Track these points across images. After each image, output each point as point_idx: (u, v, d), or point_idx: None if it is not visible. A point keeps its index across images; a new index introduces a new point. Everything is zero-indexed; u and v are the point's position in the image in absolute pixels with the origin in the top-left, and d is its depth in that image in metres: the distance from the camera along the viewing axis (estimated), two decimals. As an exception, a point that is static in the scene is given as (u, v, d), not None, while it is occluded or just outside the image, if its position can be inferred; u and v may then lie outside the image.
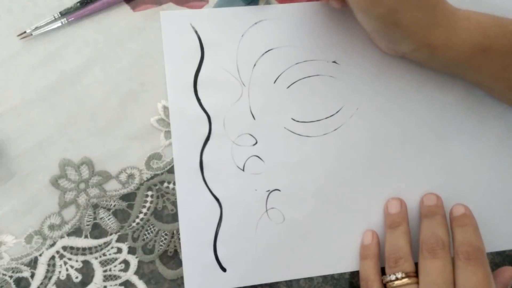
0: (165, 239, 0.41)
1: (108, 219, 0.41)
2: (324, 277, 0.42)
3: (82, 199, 0.41)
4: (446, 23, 0.37)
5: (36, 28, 0.41)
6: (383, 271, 0.39)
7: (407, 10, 0.36)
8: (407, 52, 0.40)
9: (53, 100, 0.41)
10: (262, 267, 0.41)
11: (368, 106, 0.43)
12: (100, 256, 0.40)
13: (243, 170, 0.42)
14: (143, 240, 0.41)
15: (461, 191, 0.43)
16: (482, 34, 0.37)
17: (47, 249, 0.40)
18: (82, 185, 0.41)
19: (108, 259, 0.40)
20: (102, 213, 0.41)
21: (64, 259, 0.40)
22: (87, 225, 0.40)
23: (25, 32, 0.41)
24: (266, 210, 0.42)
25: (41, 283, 0.39)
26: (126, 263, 0.40)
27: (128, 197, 0.41)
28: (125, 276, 0.40)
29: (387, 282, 0.38)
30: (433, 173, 0.43)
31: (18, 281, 0.39)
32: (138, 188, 0.41)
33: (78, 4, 0.42)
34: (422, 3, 0.36)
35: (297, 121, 0.43)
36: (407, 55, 0.41)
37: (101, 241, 0.40)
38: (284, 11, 0.42)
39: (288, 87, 0.43)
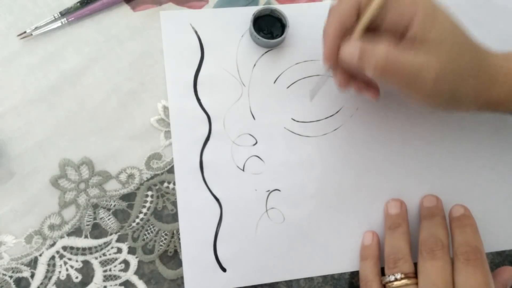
0: (165, 239, 0.41)
1: (108, 219, 0.41)
2: (324, 277, 0.42)
3: (82, 199, 0.41)
4: (504, 77, 0.35)
5: (36, 28, 0.41)
6: (383, 272, 0.39)
7: (468, 82, 0.34)
8: (467, 113, 0.38)
9: (53, 100, 0.41)
10: (262, 267, 0.41)
11: (367, 106, 0.43)
12: (100, 256, 0.40)
13: (243, 170, 0.42)
14: (143, 240, 0.41)
15: (461, 191, 0.43)
16: None
17: (47, 249, 0.40)
18: (82, 185, 0.41)
19: (108, 259, 0.40)
20: (102, 213, 0.41)
21: (64, 259, 0.40)
22: (87, 225, 0.40)
23: (25, 32, 0.41)
24: (266, 210, 0.42)
25: (41, 283, 0.39)
26: (126, 263, 0.40)
27: (128, 197, 0.41)
28: (125, 276, 0.40)
29: (386, 283, 0.38)
30: (433, 173, 0.43)
31: (18, 281, 0.39)
32: (138, 188, 0.41)
33: (78, 4, 0.42)
34: (478, 67, 0.34)
35: (297, 121, 0.43)
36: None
37: (101, 241, 0.40)
38: (284, 11, 0.42)
39: (288, 87, 0.43)
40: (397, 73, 0.32)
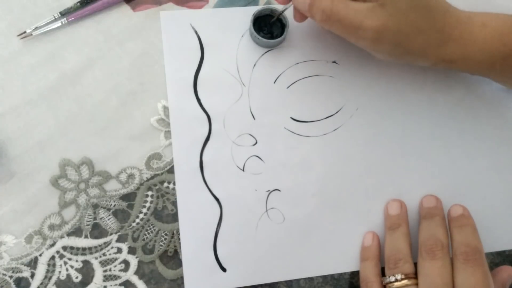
0: (165, 239, 0.41)
1: (108, 219, 0.41)
2: (324, 277, 0.42)
3: (82, 199, 0.41)
4: (459, 36, 0.36)
5: (36, 28, 0.41)
6: (383, 272, 0.39)
7: (413, 38, 0.35)
8: (426, 67, 0.39)
9: (53, 100, 0.41)
10: (262, 267, 0.41)
11: (367, 106, 0.43)
12: (100, 256, 0.40)
13: (243, 170, 0.42)
14: (143, 240, 0.41)
15: (461, 191, 0.43)
16: (500, 42, 0.36)
17: (47, 249, 0.40)
18: (82, 185, 0.41)
19: (108, 259, 0.40)
20: (102, 213, 0.41)
21: (64, 259, 0.40)
22: (87, 225, 0.40)
23: (25, 32, 0.41)
24: (266, 210, 0.42)
25: (41, 283, 0.39)
26: (126, 263, 0.40)
27: (128, 197, 0.41)
28: (125, 276, 0.40)
29: (387, 283, 0.38)
30: (433, 173, 0.43)
31: (18, 281, 0.39)
32: (138, 188, 0.41)
33: (78, 4, 0.42)
34: (428, 26, 0.35)
35: (297, 121, 0.43)
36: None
37: (101, 241, 0.40)
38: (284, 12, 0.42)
39: (288, 87, 0.43)
40: (340, 22, 0.35)
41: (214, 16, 0.43)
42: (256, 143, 0.42)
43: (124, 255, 0.40)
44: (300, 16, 0.40)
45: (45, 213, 0.40)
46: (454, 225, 0.40)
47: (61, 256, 0.40)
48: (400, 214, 0.41)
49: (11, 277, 0.39)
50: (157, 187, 0.41)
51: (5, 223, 0.40)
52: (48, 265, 0.40)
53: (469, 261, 0.36)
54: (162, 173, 0.41)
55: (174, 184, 0.41)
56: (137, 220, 0.41)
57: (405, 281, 0.37)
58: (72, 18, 0.41)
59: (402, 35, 0.35)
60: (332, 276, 0.42)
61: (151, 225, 0.41)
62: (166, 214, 0.41)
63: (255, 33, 0.41)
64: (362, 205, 0.43)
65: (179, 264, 0.41)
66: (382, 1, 0.34)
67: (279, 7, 0.43)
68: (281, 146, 0.42)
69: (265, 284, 0.41)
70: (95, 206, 0.41)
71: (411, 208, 0.42)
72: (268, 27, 0.42)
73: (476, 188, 0.44)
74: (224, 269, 0.41)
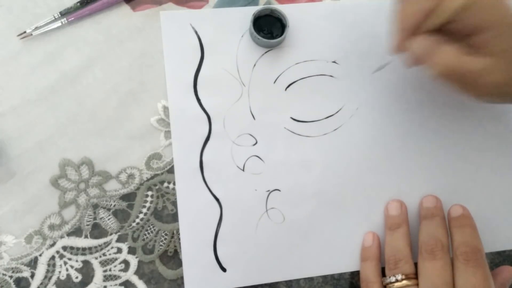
0: (165, 239, 0.41)
1: (108, 219, 0.41)
2: (324, 277, 0.42)
3: (82, 199, 0.41)
4: None
5: (36, 28, 0.41)
6: (383, 272, 0.39)
7: None
8: None
9: (53, 100, 0.41)
10: (262, 267, 0.41)
11: (368, 106, 0.43)
12: (100, 256, 0.40)
13: (243, 170, 0.42)
14: (143, 240, 0.41)
15: (461, 191, 0.43)
16: None
17: (47, 249, 0.40)
18: (82, 185, 0.41)
19: (108, 259, 0.40)
20: (102, 213, 0.41)
21: (64, 259, 0.40)
22: (87, 225, 0.40)
23: (25, 32, 0.41)
24: (266, 210, 0.42)
25: (41, 283, 0.39)
26: (126, 263, 0.40)
27: (128, 197, 0.41)
28: (125, 276, 0.40)
29: (387, 284, 0.38)
30: (433, 173, 0.43)
31: (18, 281, 0.39)
32: (138, 188, 0.41)
33: (78, 4, 0.42)
34: None
35: (297, 121, 0.43)
36: None
37: (101, 241, 0.40)
38: (284, 11, 0.42)
39: (288, 87, 0.43)
40: (462, 77, 0.33)
41: (214, 16, 0.43)
42: (256, 143, 0.42)
43: (124, 255, 0.40)
44: (415, 63, 0.36)
45: (45, 213, 0.40)
46: (454, 225, 0.40)
47: (61, 256, 0.40)
48: (400, 215, 0.41)
49: (11, 277, 0.39)
50: (157, 187, 0.41)
51: (5, 223, 0.40)
52: (48, 265, 0.40)
53: (470, 261, 0.36)
54: (162, 173, 0.41)
55: (174, 184, 0.41)
56: (137, 220, 0.41)
57: (405, 282, 0.37)
58: (72, 18, 0.41)
59: None
60: (332, 276, 0.42)
61: (151, 225, 0.41)
62: (166, 214, 0.41)
63: (255, 33, 0.41)
64: (362, 205, 0.43)
65: (179, 264, 0.41)
66: (503, 55, 0.32)
67: (279, 7, 0.43)
68: (281, 146, 0.42)
69: (265, 284, 0.41)
70: (95, 206, 0.41)
71: (411, 208, 0.42)
72: (268, 27, 0.42)
73: (476, 188, 0.44)
74: (224, 269, 0.41)
